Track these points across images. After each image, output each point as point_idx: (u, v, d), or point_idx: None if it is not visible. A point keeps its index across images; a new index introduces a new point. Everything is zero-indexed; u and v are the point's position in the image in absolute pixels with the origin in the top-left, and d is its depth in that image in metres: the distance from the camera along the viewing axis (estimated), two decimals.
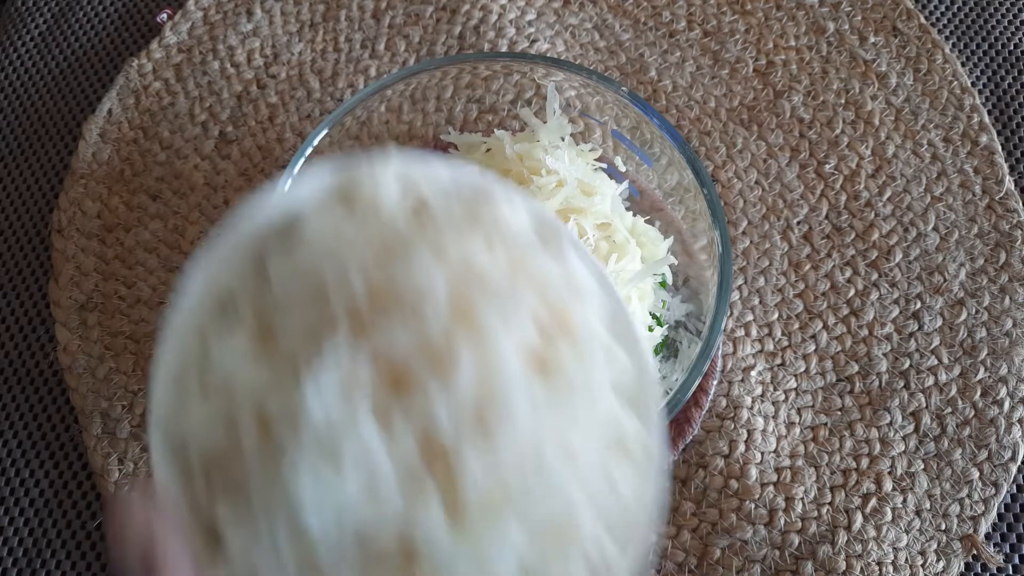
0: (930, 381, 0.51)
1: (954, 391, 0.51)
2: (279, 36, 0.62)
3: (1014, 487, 0.49)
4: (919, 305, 0.53)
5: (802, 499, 0.48)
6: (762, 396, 0.51)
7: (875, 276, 0.54)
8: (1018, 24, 0.62)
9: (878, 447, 0.50)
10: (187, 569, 0.22)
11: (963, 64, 0.61)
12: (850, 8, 0.62)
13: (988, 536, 0.48)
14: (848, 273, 0.54)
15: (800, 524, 0.48)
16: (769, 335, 0.53)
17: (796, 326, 0.53)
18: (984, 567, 0.48)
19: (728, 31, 0.62)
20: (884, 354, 0.52)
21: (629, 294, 0.46)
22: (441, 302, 0.23)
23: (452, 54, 0.61)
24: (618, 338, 0.26)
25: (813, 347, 0.52)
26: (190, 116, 0.59)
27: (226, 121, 0.59)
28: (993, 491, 0.49)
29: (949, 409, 0.50)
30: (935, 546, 0.48)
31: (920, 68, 0.60)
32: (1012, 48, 0.61)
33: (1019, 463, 0.49)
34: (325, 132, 0.46)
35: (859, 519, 0.48)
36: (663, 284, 0.50)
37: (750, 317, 0.53)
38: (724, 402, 0.51)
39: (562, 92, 0.51)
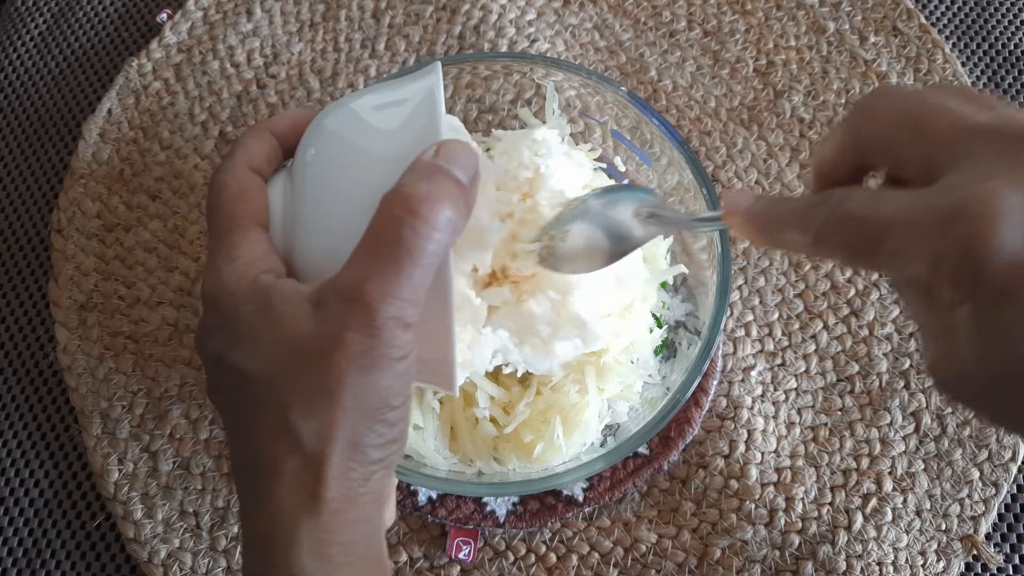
0: (931, 381, 0.51)
1: None
2: (279, 36, 0.62)
3: (1014, 487, 0.49)
4: None
5: (802, 499, 0.48)
6: (762, 396, 0.51)
7: (875, 276, 0.54)
8: (1018, 24, 0.62)
9: (878, 447, 0.49)
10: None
11: (963, 64, 0.61)
12: (850, 8, 0.62)
13: (988, 536, 0.48)
14: (848, 273, 0.54)
15: (800, 524, 0.48)
16: (769, 335, 0.53)
17: (796, 326, 0.53)
18: (984, 567, 0.48)
19: (728, 31, 0.62)
20: (884, 354, 0.52)
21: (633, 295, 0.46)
22: None
23: (452, 54, 0.61)
24: None
25: (813, 347, 0.52)
26: (190, 116, 0.59)
27: (226, 121, 0.59)
28: (993, 491, 0.48)
29: (949, 409, 0.50)
30: (935, 546, 0.48)
31: (920, 68, 0.60)
32: (1012, 48, 0.61)
33: (1019, 463, 0.49)
34: None
35: (859, 519, 0.48)
36: (663, 284, 0.50)
37: (750, 317, 0.53)
38: (724, 402, 0.51)
39: (562, 92, 0.51)
